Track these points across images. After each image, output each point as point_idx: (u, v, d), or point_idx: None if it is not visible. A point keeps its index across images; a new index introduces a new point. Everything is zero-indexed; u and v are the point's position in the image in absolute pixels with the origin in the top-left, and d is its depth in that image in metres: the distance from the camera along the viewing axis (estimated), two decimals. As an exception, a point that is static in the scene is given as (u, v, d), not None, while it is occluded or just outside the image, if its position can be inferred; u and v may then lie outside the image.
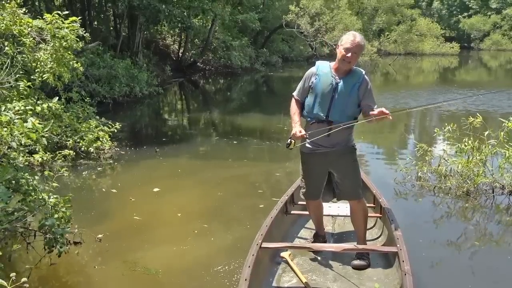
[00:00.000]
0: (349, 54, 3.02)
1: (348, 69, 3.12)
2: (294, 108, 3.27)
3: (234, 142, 7.83)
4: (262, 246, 3.07)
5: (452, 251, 3.94)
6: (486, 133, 5.29)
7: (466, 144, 5.28)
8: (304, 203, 3.70)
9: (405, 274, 2.70)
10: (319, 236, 3.58)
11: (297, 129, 3.12)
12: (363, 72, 3.18)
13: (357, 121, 3.17)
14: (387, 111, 2.94)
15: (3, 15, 5.20)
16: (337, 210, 3.93)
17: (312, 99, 3.18)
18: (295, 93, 3.30)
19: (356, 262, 3.21)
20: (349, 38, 3.05)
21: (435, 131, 6.16)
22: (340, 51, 3.07)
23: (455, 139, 5.57)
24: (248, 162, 6.61)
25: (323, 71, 3.17)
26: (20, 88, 5.10)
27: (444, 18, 57.77)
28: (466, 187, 5.04)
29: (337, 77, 3.12)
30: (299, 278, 3.02)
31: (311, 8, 22.96)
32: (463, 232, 4.34)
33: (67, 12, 5.64)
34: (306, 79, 3.23)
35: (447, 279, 3.40)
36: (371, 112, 3.01)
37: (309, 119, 3.22)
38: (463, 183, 5.10)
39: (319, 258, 3.33)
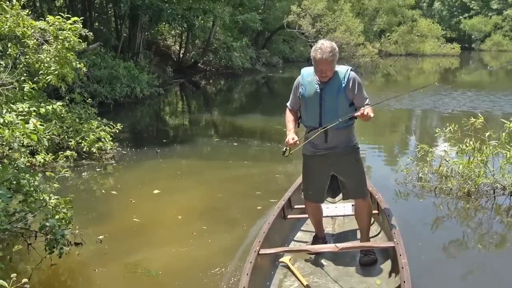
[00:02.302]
0: (321, 73, 3.02)
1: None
2: (288, 116, 3.31)
3: (235, 143, 7.83)
4: (260, 252, 3.06)
5: (452, 252, 3.92)
6: (488, 133, 5.28)
7: (467, 144, 5.27)
8: (302, 206, 3.70)
9: (402, 268, 2.70)
10: (319, 238, 3.57)
11: (290, 136, 3.13)
12: (348, 70, 3.12)
13: (338, 122, 3.04)
14: (368, 113, 2.93)
15: (6, 16, 5.21)
16: (335, 210, 3.92)
17: (304, 108, 3.22)
18: (288, 104, 3.33)
19: (365, 258, 3.22)
20: (316, 57, 2.97)
21: (436, 131, 6.15)
22: (314, 68, 3.06)
23: (456, 139, 5.56)
24: (249, 164, 6.61)
25: (307, 80, 3.16)
26: (25, 90, 5.12)
27: (445, 19, 57.78)
28: (467, 188, 5.03)
29: (320, 83, 3.09)
30: (301, 282, 3.01)
31: (313, 9, 22.95)
32: (463, 233, 4.34)
33: (69, 16, 5.65)
34: (295, 90, 3.25)
35: (447, 280, 3.39)
36: (357, 113, 2.99)
37: (306, 127, 3.25)
38: (464, 184, 5.09)
39: (319, 260, 3.32)
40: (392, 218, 3.31)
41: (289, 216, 3.84)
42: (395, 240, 3.01)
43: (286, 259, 3.25)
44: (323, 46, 2.97)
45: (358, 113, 2.99)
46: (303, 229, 3.92)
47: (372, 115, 2.96)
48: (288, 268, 3.20)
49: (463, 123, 5.53)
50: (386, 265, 3.17)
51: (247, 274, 2.79)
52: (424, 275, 3.34)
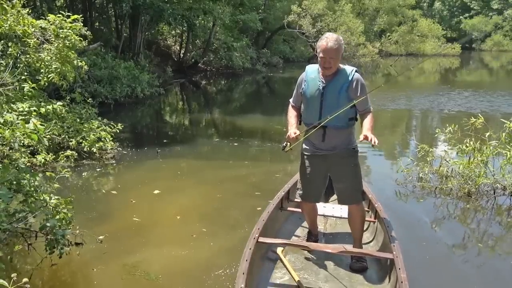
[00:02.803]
0: (325, 63, 3.00)
1: (333, 72, 3.08)
2: (290, 112, 3.30)
3: (235, 144, 7.83)
4: (259, 240, 3.06)
5: (452, 253, 3.92)
6: (488, 134, 5.27)
7: (467, 145, 5.27)
8: (299, 200, 3.70)
9: (402, 282, 2.67)
10: (312, 235, 3.58)
11: (292, 130, 3.11)
12: (353, 70, 3.10)
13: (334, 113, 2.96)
14: (372, 139, 2.88)
15: (7, 15, 5.21)
16: (331, 210, 3.92)
17: (305, 105, 3.20)
18: (291, 100, 3.33)
19: (357, 264, 3.19)
20: (321, 45, 2.99)
21: (436, 131, 6.15)
22: (319, 59, 3.05)
23: (456, 139, 5.56)
24: (249, 164, 6.61)
25: (310, 77, 3.15)
26: (25, 89, 5.12)
27: (445, 19, 57.80)
28: (467, 188, 5.03)
29: (324, 81, 3.09)
30: (292, 276, 3.01)
31: (313, 9, 22.96)
32: (464, 234, 4.34)
33: (69, 14, 5.67)
34: (298, 86, 3.24)
35: (447, 282, 3.39)
36: (361, 138, 2.96)
37: (305, 125, 3.24)
38: (464, 184, 5.09)
39: (311, 257, 3.32)
40: (391, 228, 3.27)
41: (286, 208, 3.86)
42: (394, 253, 2.98)
43: (278, 250, 3.25)
44: (329, 35, 3.04)
45: (361, 137, 2.94)
46: (297, 222, 3.93)
47: (377, 143, 2.89)
48: (280, 259, 3.20)
49: (463, 123, 5.53)
50: (378, 274, 3.15)
51: (246, 260, 2.78)
52: (421, 276, 3.34)
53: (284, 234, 3.69)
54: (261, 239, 3.09)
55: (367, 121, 3.06)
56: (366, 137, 2.91)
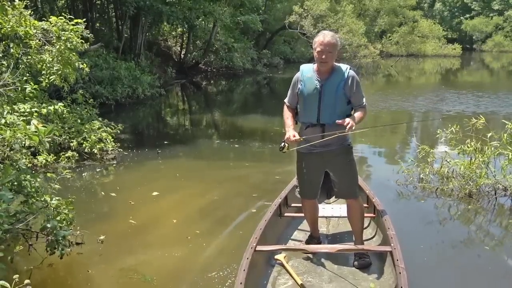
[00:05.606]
0: (323, 56, 3.02)
1: (329, 69, 3.11)
2: (286, 113, 3.30)
3: (236, 145, 7.83)
4: (256, 249, 3.06)
5: (453, 253, 3.91)
6: (489, 134, 5.27)
7: (468, 145, 5.26)
8: (298, 205, 3.71)
9: (400, 273, 2.69)
10: (314, 238, 3.58)
11: (291, 133, 3.12)
12: (348, 68, 3.14)
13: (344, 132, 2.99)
14: (350, 123, 2.90)
15: (9, 16, 5.22)
16: (331, 211, 3.92)
17: (302, 104, 3.22)
18: (286, 100, 3.34)
19: (360, 261, 3.20)
20: (318, 40, 3.04)
21: (438, 132, 6.14)
22: (315, 55, 3.09)
23: (457, 140, 5.55)
24: (249, 165, 6.60)
25: (306, 76, 3.17)
26: (27, 90, 5.13)
27: (446, 19, 57.77)
28: (468, 189, 5.03)
29: (321, 79, 3.11)
30: (295, 280, 3.01)
31: (315, 10, 22.97)
32: (464, 234, 4.33)
33: (71, 17, 5.68)
34: (294, 86, 3.25)
35: (446, 281, 3.39)
36: (338, 121, 2.97)
37: (303, 123, 3.25)
38: (465, 184, 5.08)
39: (314, 259, 3.32)
40: (389, 222, 3.29)
41: (285, 214, 3.85)
42: (392, 245, 3.00)
43: (281, 256, 3.25)
44: (326, 31, 3.14)
45: (339, 121, 2.97)
46: (298, 227, 3.92)
47: (353, 127, 2.94)
48: (283, 266, 3.20)
49: (465, 124, 5.52)
50: (381, 269, 3.16)
51: (244, 270, 2.78)
52: (422, 275, 3.34)
53: (285, 240, 3.68)
54: (259, 248, 3.09)
55: (357, 112, 3.12)
56: (343, 121, 2.94)
